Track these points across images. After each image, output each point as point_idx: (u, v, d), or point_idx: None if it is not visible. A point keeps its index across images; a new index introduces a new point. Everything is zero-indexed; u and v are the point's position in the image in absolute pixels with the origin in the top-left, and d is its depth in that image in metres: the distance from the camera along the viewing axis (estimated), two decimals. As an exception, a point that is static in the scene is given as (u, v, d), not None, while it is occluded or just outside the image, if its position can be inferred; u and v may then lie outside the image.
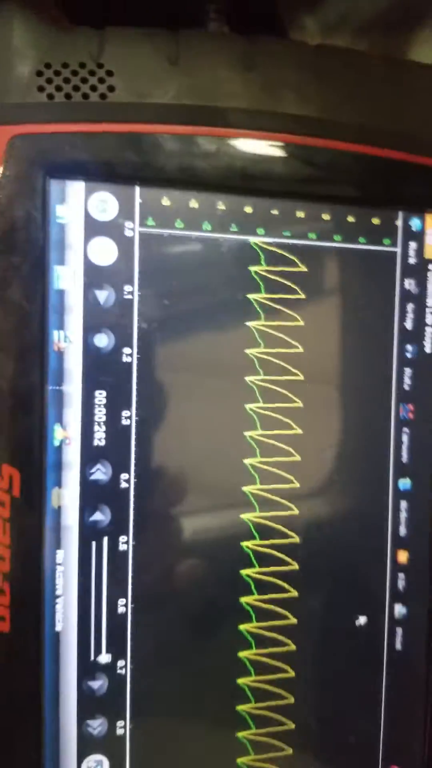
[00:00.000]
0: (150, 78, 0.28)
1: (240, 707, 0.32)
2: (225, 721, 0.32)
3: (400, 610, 0.34)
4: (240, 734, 0.32)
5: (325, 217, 0.32)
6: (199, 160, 0.29)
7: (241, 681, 0.32)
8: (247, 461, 0.31)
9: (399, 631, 0.34)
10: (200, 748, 0.32)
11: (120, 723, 0.31)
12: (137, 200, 0.29)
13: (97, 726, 0.31)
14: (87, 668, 0.30)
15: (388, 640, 0.34)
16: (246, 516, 0.32)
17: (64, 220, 0.29)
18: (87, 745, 0.30)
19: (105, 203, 0.29)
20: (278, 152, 0.30)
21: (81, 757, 0.30)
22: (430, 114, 0.32)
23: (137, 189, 0.29)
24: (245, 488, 0.32)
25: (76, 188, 0.29)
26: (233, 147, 0.29)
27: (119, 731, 0.31)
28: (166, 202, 0.30)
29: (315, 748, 0.33)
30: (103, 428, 0.29)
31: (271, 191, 0.31)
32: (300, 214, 0.31)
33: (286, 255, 0.31)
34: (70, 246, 0.29)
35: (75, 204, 0.29)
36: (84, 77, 0.28)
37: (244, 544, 0.32)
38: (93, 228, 0.29)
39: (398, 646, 0.34)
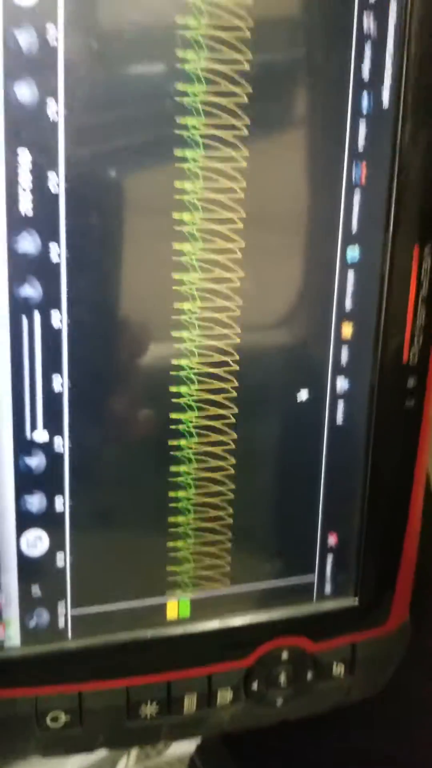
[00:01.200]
0: None
1: (178, 477, 0.46)
2: (163, 485, 0.46)
3: (342, 384, 0.48)
4: (178, 494, 0.46)
5: None
6: None
7: (178, 452, 0.45)
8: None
9: (340, 404, 0.48)
10: (138, 516, 0.46)
11: (59, 499, 0.44)
12: None
13: (35, 502, 0.44)
14: (23, 445, 0.42)
15: (329, 414, 0.48)
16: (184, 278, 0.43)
17: None
18: (26, 521, 0.43)
19: None
20: None
21: (20, 532, 0.44)
22: None
23: None
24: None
25: None
26: None
27: (58, 507, 0.44)
28: None
29: (255, 515, 0.49)
30: (29, 195, 0.39)
31: None
32: None
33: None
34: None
35: None
36: None
37: (183, 316, 0.43)
38: None
39: (339, 420, 0.48)
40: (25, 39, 0.36)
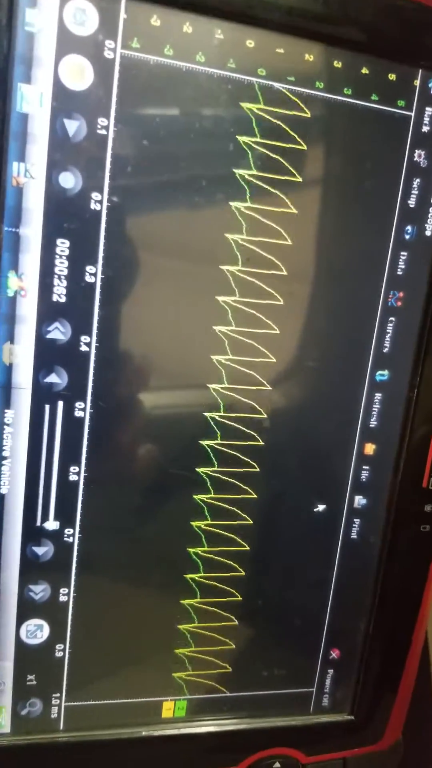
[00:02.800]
0: None
1: (188, 575, 0.35)
2: (171, 588, 0.34)
3: (360, 500, 0.36)
4: (185, 601, 0.35)
5: (337, 64, 0.30)
6: (199, -28, 0.27)
7: (192, 550, 0.34)
8: (220, 329, 0.32)
9: (356, 521, 0.36)
10: (143, 614, 0.35)
11: (64, 590, 0.33)
12: (122, 15, 0.27)
13: (39, 591, 0.33)
14: (32, 533, 0.32)
15: (344, 529, 0.36)
16: (213, 386, 0.33)
17: (33, 29, 0.26)
18: (27, 610, 0.33)
19: (84, 13, 0.27)
20: (293, -24, 0.28)
21: (20, 620, 0.33)
22: None
23: (123, 1, 0.27)
24: (214, 357, 0.32)
25: (50, -11, 0.26)
26: (241, -39, 0.27)
27: (62, 598, 0.33)
28: (155, 21, 0.28)
29: (260, 622, 0.37)
30: (64, 283, 0.29)
31: (279, 24, 0.29)
32: (309, 57, 0.30)
33: (288, 102, 0.30)
34: (39, 61, 0.26)
35: (48, 10, 0.26)
36: None
37: (209, 414, 0.33)
38: (67, 42, 0.27)
39: (353, 535, 0.37)
40: (74, 128, 0.27)
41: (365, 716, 0.39)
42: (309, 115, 0.30)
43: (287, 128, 0.30)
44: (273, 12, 0.28)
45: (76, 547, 0.32)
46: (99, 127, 0.28)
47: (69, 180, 0.28)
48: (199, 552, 0.34)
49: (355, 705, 0.39)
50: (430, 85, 0.32)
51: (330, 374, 0.35)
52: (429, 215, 0.33)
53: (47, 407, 0.30)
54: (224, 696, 0.37)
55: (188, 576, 0.35)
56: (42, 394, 0.30)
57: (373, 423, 0.35)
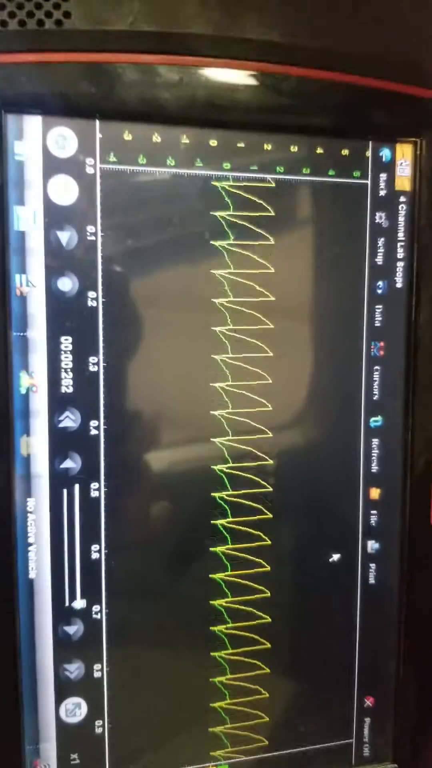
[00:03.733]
0: (107, 2, 0.30)
1: (216, 628, 0.36)
2: (200, 644, 0.36)
3: (372, 545, 0.38)
4: (215, 653, 0.37)
5: (293, 148, 0.34)
6: (161, 90, 0.31)
7: (216, 602, 0.36)
8: (218, 385, 0.35)
9: (372, 566, 0.38)
10: (177, 681, 0.36)
11: (97, 666, 0.35)
12: (98, 135, 0.31)
13: (74, 670, 0.35)
14: (62, 614, 0.34)
15: (361, 575, 0.38)
16: (218, 440, 0.35)
17: (22, 158, 0.30)
18: (65, 689, 0.35)
19: (64, 138, 0.31)
20: (244, 81, 0.32)
21: (59, 700, 0.35)
22: (400, 37, 0.35)
23: (97, 123, 0.31)
24: (215, 412, 0.35)
25: (33, 123, 0.30)
26: (196, 76, 0.31)
27: (96, 674, 0.35)
28: (128, 136, 0.32)
29: (291, 674, 0.38)
30: (71, 375, 0.32)
31: (237, 122, 0.33)
32: (267, 146, 0.34)
33: (253, 195, 0.34)
34: (30, 184, 0.30)
35: (33, 140, 0.30)
36: (38, 2, 0.29)
37: (217, 467, 0.35)
38: (52, 165, 0.31)
39: (371, 580, 0.39)
40: (66, 238, 0.31)
41: (408, 762, 0.40)
42: (274, 186, 0.34)
43: (255, 198, 0.34)
44: (230, 113, 0.33)
45: (104, 623, 0.34)
46: (88, 234, 0.31)
47: (66, 284, 0.31)
48: (223, 603, 0.36)
49: (397, 752, 0.40)
50: (380, 153, 0.36)
51: (327, 423, 0.37)
52: (397, 269, 0.37)
53: (65, 491, 0.33)
54: (265, 756, 0.38)
55: (216, 629, 0.36)
56: (59, 480, 0.33)
57: (374, 468, 0.38)
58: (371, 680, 0.39)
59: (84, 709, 0.35)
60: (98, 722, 0.35)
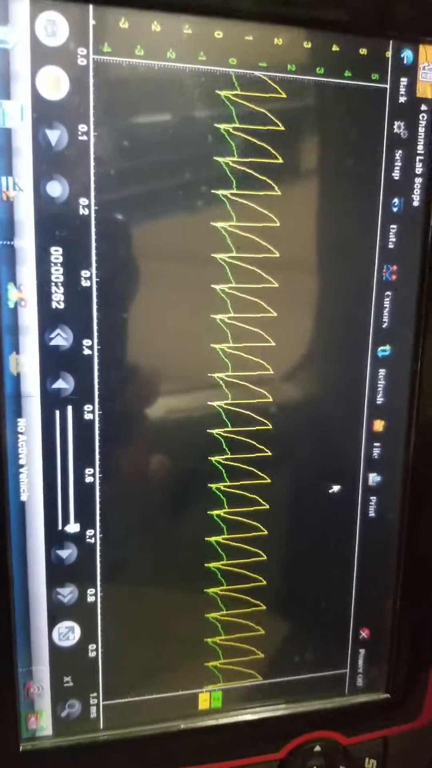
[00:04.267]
0: None
1: (210, 564, 0.36)
2: (196, 579, 0.36)
3: (374, 478, 0.37)
4: (210, 590, 0.36)
5: (306, 45, 0.31)
6: (162, -30, 0.28)
7: (212, 539, 0.36)
8: (218, 317, 0.33)
9: (373, 499, 0.38)
10: (171, 607, 0.36)
11: (90, 590, 0.34)
12: (91, 21, 0.28)
13: (67, 594, 0.34)
14: (55, 537, 0.33)
15: (361, 508, 0.38)
16: (218, 375, 0.34)
17: (7, 45, 0.28)
18: (58, 613, 0.34)
19: (54, 24, 0.28)
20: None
21: (52, 624, 0.34)
22: None
23: (90, 8, 0.28)
24: (216, 345, 0.33)
25: (19, 6, 0.28)
26: None
27: (90, 598, 0.35)
28: (124, 24, 0.29)
29: (288, 606, 0.38)
30: (61, 289, 0.30)
31: (246, 12, 0.30)
32: (278, 41, 0.31)
33: (263, 86, 0.31)
34: (16, 76, 0.28)
35: (20, 25, 0.28)
36: None
37: (216, 403, 0.34)
38: (41, 54, 0.28)
39: (371, 513, 0.38)
40: (56, 137, 0.28)
41: (401, 693, 0.40)
42: (285, 96, 0.32)
43: (265, 111, 0.32)
44: (239, 0, 0.30)
45: (98, 548, 0.34)
46: (80, 133, 0.29)
47: (56, 188, 0.29)
48: (220, 540, 0.36)
49: (390, 683, 0.40)
50: (402, 55, 0.33)
51: (331, 353, 0.36)
52: (415, 186, 0.34)
53: (57, 413, 0.32)
54: (259, 683, 0.38)
55: (211, 565, 0.36)
56: (51, 401, 0.32)
57: (379, 399, 0.37)
58: (367, 612, 0.39)
59: (77, 633, 0.35)
60: (92, 646, 0.35)
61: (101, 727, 0.36)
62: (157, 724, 0.37)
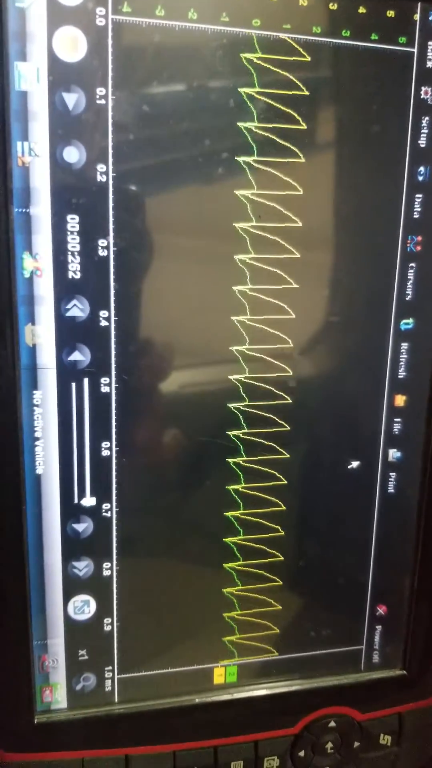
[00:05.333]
0: None
1: (227, 539, 0.36)
2: (213, 553, 0.36)
3: (394, 454, 0.37)
4: (228, 565, 0.37)
5: (332, 6, 0.31)
6: None
7: (229, 514, 0.36)
8: (236, 287, 0.33)
9: (393, 475, 0.38)
10: (187, 581, 0.36)
11: (106, 564, 0.35)
12: (109, -21, 0.28)
13: (82, 567, 0.34)
14: (71, 511, 0.33)
15: (380, 484, 0.37)
16: (237, 348, 0.34)
17: (23, 4, 0.27)
18: (73, 586, 0.34)
19: (71, -18, 0.27)
20: None
21: (67, 597, 0.35)
22: None
23: (109, -35, 0.28)
24: (235, 318, 0.33)
25: (35, -37, 0.27)
26: None
27: (105, 572, 0.35)
28: (143, -18, 0.28)
29: (305, 582, 0.38)
30: (78, 259, 0.30)
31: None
32: (303, 2, 0.30)
33: (287, 49, 0.30)
34: (33, 37, 0.27)
35: (35, -18, 0.27)
36: None
37: (235, 377, 0.34)
38: (58, 14, 0.27)
39: (390, 489, 0.38)
40: (73, 100, 0.28)
41: (417, 670, 0.41)
42: (309, 60, 0.31)
43: (288, 75, 0.31)
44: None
45: (114, 522, 0.34)
46: (98, 97, 0.28)
47: (73, 154, 0.29)
48: (237, 515, 0.36)
49: (406, 659, 0.40)
50: (430, 18, 0.32)
51: (353, 326, 0.35)
52: (440, 154, 0.34)
53: (73, 385, 0.32)
54: (274, 658, 0.39)
55: (228, 540, 0.36)
56: (67, 373, 0.31)
57: (402, 374, 0.36)
58: (385, 589, 0.39)
59: (93, 607, 0.35)
60: (107, 620, 0.35)
61: (116, 700, 0.37)
62: (171, 698, 0.37)
